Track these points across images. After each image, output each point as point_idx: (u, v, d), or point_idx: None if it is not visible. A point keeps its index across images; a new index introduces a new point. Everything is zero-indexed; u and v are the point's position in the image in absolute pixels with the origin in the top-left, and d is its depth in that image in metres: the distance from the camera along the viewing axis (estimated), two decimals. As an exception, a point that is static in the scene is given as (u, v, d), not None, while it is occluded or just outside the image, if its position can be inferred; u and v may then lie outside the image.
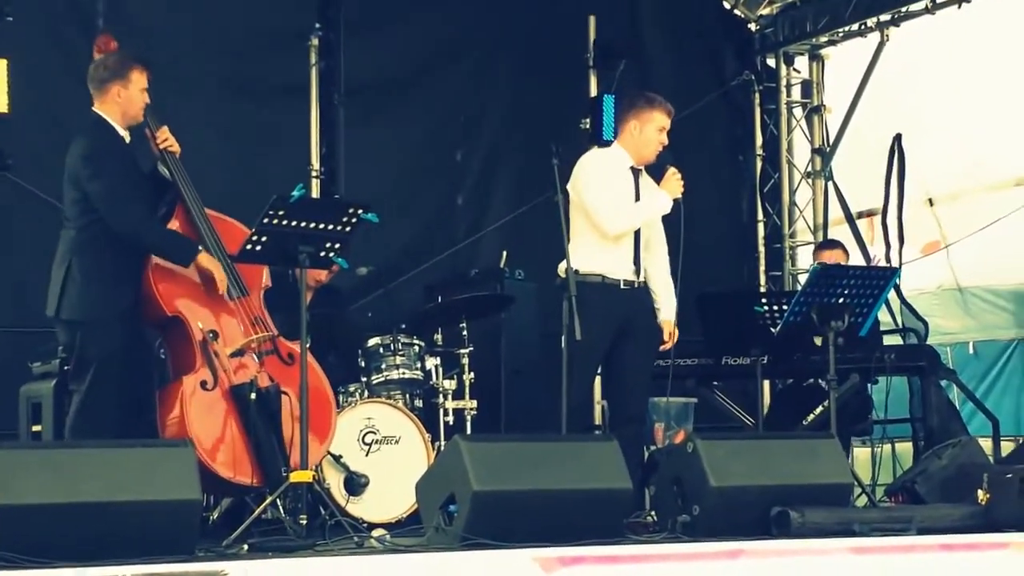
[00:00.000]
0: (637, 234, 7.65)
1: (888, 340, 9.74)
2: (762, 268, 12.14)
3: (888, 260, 11.17)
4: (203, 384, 7.00)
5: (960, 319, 11.93)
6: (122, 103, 7.17)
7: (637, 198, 7.67)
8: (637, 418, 7.74)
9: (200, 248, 7.10)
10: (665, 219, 7.78)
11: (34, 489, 5.71)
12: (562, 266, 7.38)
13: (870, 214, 12.00)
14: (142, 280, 7.06)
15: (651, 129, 7.67)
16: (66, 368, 7.75)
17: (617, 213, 7.55)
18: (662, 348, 7.69)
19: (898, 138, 11.18)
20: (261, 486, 6.92)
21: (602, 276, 7.55)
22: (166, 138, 7.28)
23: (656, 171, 7.77)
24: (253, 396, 6.90)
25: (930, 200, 12.07)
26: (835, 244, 9.85)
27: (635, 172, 7.72)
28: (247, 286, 7.22)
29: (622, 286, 7.58)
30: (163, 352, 7.42)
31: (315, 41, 10.29)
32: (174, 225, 7.23)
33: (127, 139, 7.22)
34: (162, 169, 7.29)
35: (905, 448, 9.54)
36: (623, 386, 7.66)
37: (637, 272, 7.64)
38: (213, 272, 7.08)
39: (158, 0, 9.86)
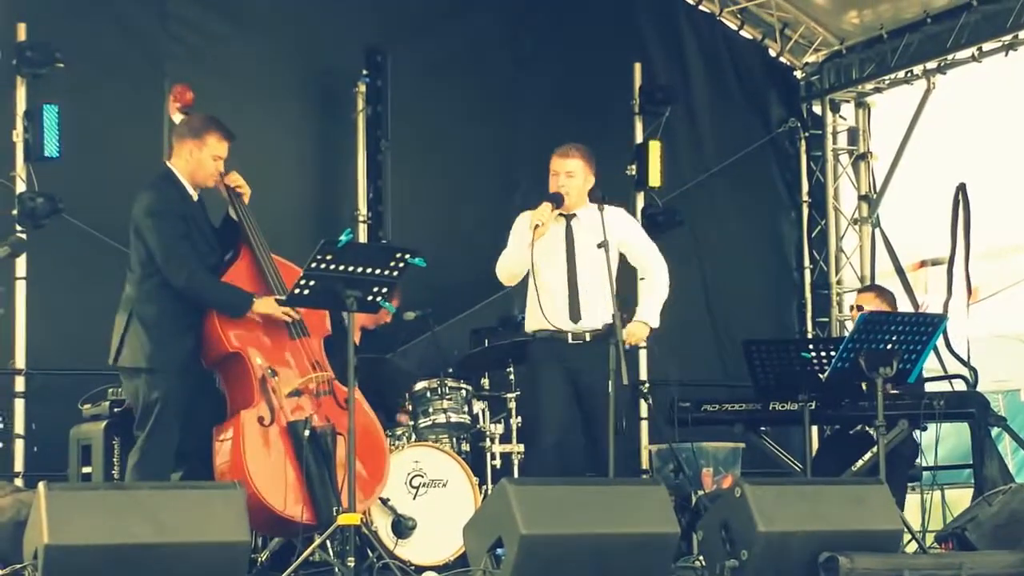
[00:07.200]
0: (576, 288, 7.69)
1: (938, 387, 9.68)
2: (809, 314, 12.10)
3: (945, 308, 11.06)
4: (260, 420, 7.04)
5: (1013, 367, 11.84)
6: (192, 163, 7.19)
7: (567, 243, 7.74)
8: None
9: (254, 298, 7.12)
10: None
11: (85, 530, 5.77)
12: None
13: (935, 263, 11.93)
14: (206, 318, 7.11)
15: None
16: (116, 410, 7.85)
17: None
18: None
19: (962, 187, 11.05)
20: (312, 524, 6.93)
21: (556, 329, 7.67)
22: (236, 180, 7.33)
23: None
24: (307, 433, 6.93)
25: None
26: (875, 289, 9.87)
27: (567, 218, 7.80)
28: (309, 328, 7.27)
29: (570, 340, 7.66)
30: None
31: (362, 87, 10.36)
32: (239, 267, 7.27)
33: (194, 196, 7.25)
34: (232, 212, 7.35)
35: (953, 495, 9.46)
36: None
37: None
38: (272, 314, 7.12)
39: (214, 42, 9.97)
